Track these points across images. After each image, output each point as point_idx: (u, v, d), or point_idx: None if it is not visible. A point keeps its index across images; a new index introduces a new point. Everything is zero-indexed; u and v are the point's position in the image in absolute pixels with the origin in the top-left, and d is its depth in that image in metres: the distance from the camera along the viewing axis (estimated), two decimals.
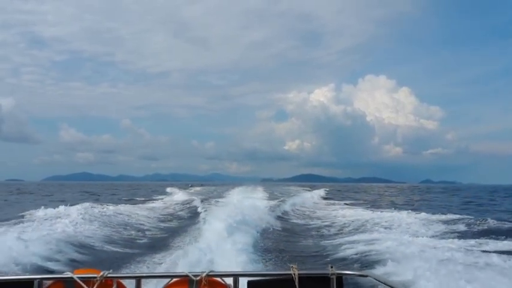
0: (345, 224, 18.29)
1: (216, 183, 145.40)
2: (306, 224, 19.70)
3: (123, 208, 23.93)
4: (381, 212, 22.66)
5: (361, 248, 11.52)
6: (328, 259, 10.98)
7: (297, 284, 2.87)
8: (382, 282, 2.86)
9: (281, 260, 10.76)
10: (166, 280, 3.04)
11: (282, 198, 32.94)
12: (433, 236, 13.51)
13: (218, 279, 3.00)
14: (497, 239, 12.60)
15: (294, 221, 20.88)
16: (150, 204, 30.91)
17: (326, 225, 18.38)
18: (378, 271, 8.33)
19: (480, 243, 11.89)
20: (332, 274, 2.93)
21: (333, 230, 16.81)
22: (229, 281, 3.01)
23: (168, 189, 55.80)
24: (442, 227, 15.61)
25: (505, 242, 12.05)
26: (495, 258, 9.26)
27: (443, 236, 13.65)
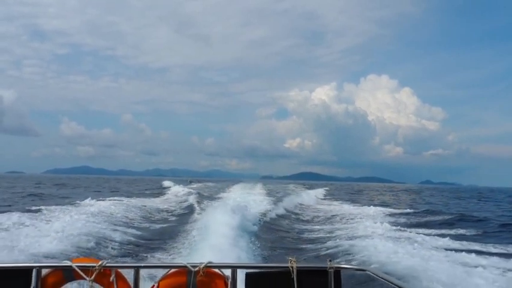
0: (318, 216, 23.53)
1: (216, 180, 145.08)
2: (299, 217, 23.39)
3: (143, 201, 28.81)
4: (357, 207, 28.55)
5: (324, 234, 16.30)
6: (308, 247, 13.47)
7: (294, 276, 2.96)
8: (379, 277, 2.93)
9: (278, 254, 11.64)
10: (164, 270, 3.12)
11: (280, 196, 36.40)
12: (379, 222, 18.88)
13: (216, 270, 3.08)
14: (423, 227, 18.04)
15: (291, 216, 23.20)
16: (157, 198, 34.66)
17: (309, 218, 23.36)
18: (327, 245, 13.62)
19: (409, 228, 17.30)
20: (330, 268, 3.02)
21: (307, 220, 22.06)
22: (228, 272, 3.09)
23: (168, 184, 57.80)
24: (392, 219, 21.09)
25: (425, 229, 17.40)
26: (411, 235, 14.77)
27: (387, 223, 19.04)
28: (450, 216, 21.59)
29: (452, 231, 16.52)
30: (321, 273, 3.03)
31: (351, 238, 14.27)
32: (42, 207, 19.07)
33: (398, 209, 25.85)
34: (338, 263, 3.09)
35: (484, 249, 12.23)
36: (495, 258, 10.55)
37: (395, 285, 2.68)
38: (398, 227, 16.99)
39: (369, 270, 3.06)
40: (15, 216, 15.97)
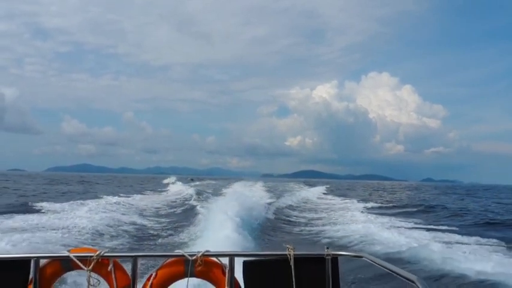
0: (314, 208, 27.87)
1: (217, 177, 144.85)
2: (297, 210, 26.08)
3: (154, 196, 33.29)
4: (346, 201, 33.24)
5: (304, 220, 20.69)
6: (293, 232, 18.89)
7: (292, 264, 3.00)
8: (375, 263, 2.93)
9: (276, 242, 12.56)
10: (162, 260, 3.19)
11: (280, 192, 40.16)
12: (359, 212, 23.27)
13: (214, 259, 3.12)
14: (390, 215, 22.34)
15: (289, 209, 25.71)
16: (163, 194, 38.40)
17: (306, 210, 27.33)
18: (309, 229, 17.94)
19: (378, 215, 21.58)
20: (327, 255, 3.06)
21: (304, 212, 26.28)
22: (225, 260, 3.12)
23: (171, 181, 60.42)
24: (369, 210, 25.49)
25: (390, 216, 21.70)
26: (376, 219, 19.12)
27: (365, 212, 23.41)
28: (415, 209, 26.43)
29: (410, 217, 20.92)
30: (318, 261, 3.09)
31: (334, 224, 18.65)
32: (82, 200, 23.36)
33: (378, 203, 30.61)
34: (336, 249, 3.14)
35: (422, 227, 16.72)
36: (428, 232, 14.96)
37: (390, 270, 2.69)
38: (371, 215, 21.39)
39: (365, 257, 3.09)
40: (66, 205, 20.51)
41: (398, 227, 16.48)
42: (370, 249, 11.57)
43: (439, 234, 14.35)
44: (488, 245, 12.18)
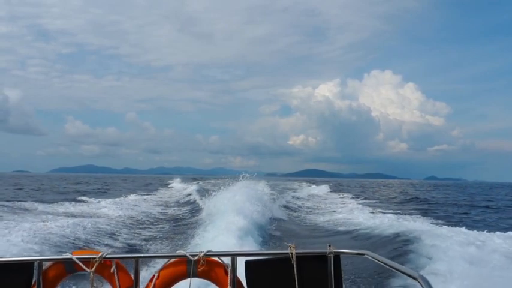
0: (312, 202, 32.28)
1: (220, 177, 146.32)
2: (298, 207, 28.10)
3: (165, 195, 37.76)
4: (337, 195, 37.82)
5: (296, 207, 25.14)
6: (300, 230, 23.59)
7: (294, 263, 3.04)
8: (377, 260, 2.95)
9: (278, 241, 12.85)
10: (164, 260, 3.24)
11: (281, 189, 43.10)
12: (343, 204, 27.61)
13: (216, 258, 3.17)
14: (373, 206, 26.59)
15: (290, 206, 27.54)
16: (169, 193, 41.24)
17: (306, 206, 31.56)
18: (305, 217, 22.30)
19: (364, 206, 25.83)
20: (329, 253, 3.08)
21: (304, 208, 30.53)
22: (227, 260, 3.17)
23: (177, 181, 63.37)
24: (353, 202, 29.82)
25: (373, 207, 25.94)
26: (360, 209, 23.37)
27: (349, 204, 27.74)
28: (393, 202, 31.27)
29: (386, 208, 25.39)
30: (320, 259, 3.11)
31: (321, 214, 22.93)
32: (113, 197, 27.89)
33: (366, 198, 35.62)
34: (338, 247, 3.16)
35: (388, 212, 21.13)
36: (391, 215, 19.31)
37: (393, 268, 2.69)
38: (356, 207, 25.86)
39: (367, 255, 3.09)
40: (102, 199, 25.00)
41: (372, 212, 21.03)
42: (341, 228, 15.89)
43: (397, 216, 18.82)
44: (426, 222, 16.66)
